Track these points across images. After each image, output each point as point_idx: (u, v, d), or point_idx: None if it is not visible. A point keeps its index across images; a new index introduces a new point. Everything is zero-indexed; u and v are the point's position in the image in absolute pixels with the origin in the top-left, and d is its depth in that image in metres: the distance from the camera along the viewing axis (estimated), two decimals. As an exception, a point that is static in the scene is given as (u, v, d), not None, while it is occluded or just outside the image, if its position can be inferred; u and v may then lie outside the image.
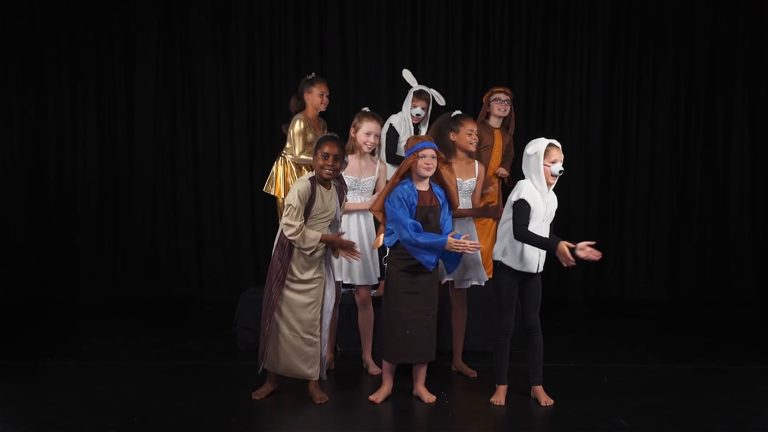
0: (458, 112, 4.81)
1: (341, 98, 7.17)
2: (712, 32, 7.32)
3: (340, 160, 4.27)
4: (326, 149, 4.23)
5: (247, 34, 7.32)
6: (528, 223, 4.11)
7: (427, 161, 4.23)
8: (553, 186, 4.23)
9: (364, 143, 4.78)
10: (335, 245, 4.34)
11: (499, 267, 4.31)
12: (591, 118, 7.37)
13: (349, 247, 4.34)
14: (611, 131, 7.41)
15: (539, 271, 4.29)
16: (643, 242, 7.45)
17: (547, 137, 4.27)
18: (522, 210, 4.12)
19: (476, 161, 4.89)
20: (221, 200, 7.42)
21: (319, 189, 4.26)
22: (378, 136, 4.84)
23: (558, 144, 4.23)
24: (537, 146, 4.16)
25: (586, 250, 4.00)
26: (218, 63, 7.34)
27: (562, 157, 4.19)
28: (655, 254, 7.44)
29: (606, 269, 7.43)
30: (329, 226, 4.37)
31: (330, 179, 4.29)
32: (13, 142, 7.34)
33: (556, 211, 4.33)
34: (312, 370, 4.36)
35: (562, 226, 7.11)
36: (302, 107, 5.41)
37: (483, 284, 4.88)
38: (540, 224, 4.19)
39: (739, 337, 6.02)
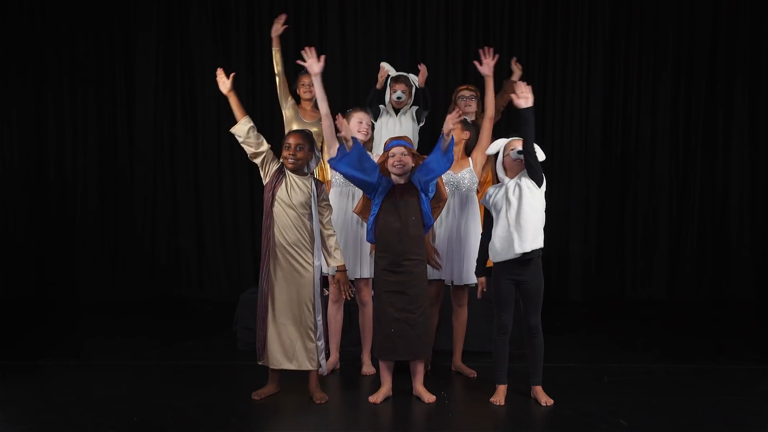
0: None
1: (341, 95, 7.16)
2: (712, 32, 7.32)
3: (303, 150, 4.32)
4: (289, 140, 4.36)
5: (247, 33, 7.32)
6: (488, 230, 4.35)
7: (397, 159, 4.36)
8: (521, 171, 4.27)
9: (359, 131, 4.89)
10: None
11: (495, 267, 4.36)
12: (591, 118, 7.36)
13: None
14: (611, 131, 7.40)
15: (508, 258, 4.23)
16: (643, 242, 7.45)
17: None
18: (486, 216, 4.41)
19: (470, 157, 4.93)
20: (221, 200, 7.42)
21: (290, 176, 4.33)
22: (369, 125, 5.00)
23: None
24: (497, 145, 4.39)
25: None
26: (218, 62, 7.32)
27: (519, 145, 4.28)
28: (655, 254, 7.43)
29: (606, 269, 7.44)
30: (306, 218, 4.33)
31: (293, 169, 4.33)
32: (13, 142, 7.34)
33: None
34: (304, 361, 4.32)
35: (562, 225, 7.13)
36: (297, 102, 5.58)
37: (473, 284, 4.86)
38: (506, 214, 4.20)
39: (739, 337, 6.01)
